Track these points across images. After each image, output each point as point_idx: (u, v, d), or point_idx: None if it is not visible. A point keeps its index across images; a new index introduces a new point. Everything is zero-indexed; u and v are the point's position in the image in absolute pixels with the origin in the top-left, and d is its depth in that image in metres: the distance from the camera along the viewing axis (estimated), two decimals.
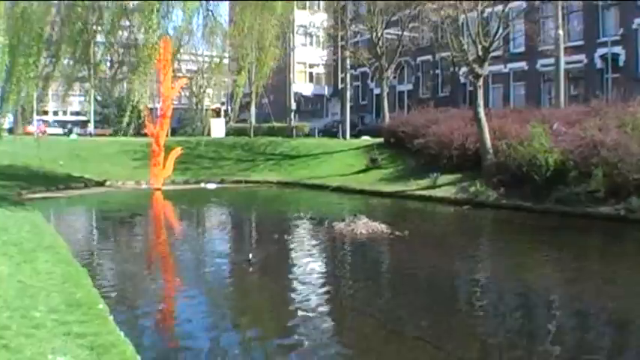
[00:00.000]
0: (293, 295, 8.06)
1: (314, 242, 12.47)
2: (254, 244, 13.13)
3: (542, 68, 30.13)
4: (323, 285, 8.65)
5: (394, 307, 7.51)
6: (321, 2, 44.97)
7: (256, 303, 7.94)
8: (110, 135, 42.83)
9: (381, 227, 12.85)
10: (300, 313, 7.12)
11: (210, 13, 19.74)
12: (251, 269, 9.09)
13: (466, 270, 9.99)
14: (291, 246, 11.92)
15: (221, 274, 9.20)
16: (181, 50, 23.84)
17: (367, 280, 9.08)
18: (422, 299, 8.03)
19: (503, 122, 20.53)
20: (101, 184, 24.70)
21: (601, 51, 27.62)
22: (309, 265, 9.99)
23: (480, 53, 19.91)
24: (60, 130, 51.48)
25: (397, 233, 12.41)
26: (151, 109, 27.51)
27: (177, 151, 24.94)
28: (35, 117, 33.90)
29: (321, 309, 7.32)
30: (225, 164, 29.52)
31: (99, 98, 50.57)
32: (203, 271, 9.47)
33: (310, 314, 7.02)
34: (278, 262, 9.86)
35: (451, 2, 20.40)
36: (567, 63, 25.50)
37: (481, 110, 19.86)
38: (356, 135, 34.41)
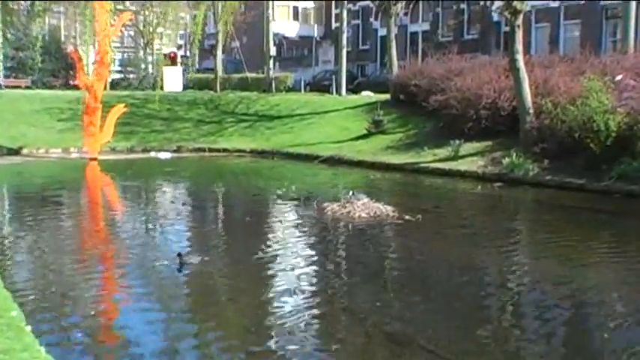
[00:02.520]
0: (269, 299, 8.06)
1: (298, 229, 12.49)
2: (219, 232, 13.11)
3: (605, 1, 30.00)
4: (309, 285, 8.66)
5: (402, 314, 7.54)
6: None
7: (219, 307, 7.93)
8: (27, 87, 42.34)
9: (386, 209, 12.95)
10: (278, 322, 7.12)
11: None
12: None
13: (496, 267, 10.02)
14: (268, 234, 11.91)
15: (174, 269, 9.16)
16: None
17: (367, 278, 9.10)
18: (438, 303, 8.07)
19: (549, 74, 20.59)
20: (15, 152, 24.60)
21: None
22: (290, 259, 9.99)
23: None
24: None
25: (407, 217, 12.49)
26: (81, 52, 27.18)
27: (120, 110, 24.78)
28: None
29: (306, 315, 7.32)
30: (182, 127, 29.39)
31: (11, 37, 49.73)
32: (151, 265, 9.44)
33: (293, 321, 7.03)
34: (249, 255, 9.84)
35: None
36: None
37: (520, 58, 19.77)
38: (354, 90, 34.38)
